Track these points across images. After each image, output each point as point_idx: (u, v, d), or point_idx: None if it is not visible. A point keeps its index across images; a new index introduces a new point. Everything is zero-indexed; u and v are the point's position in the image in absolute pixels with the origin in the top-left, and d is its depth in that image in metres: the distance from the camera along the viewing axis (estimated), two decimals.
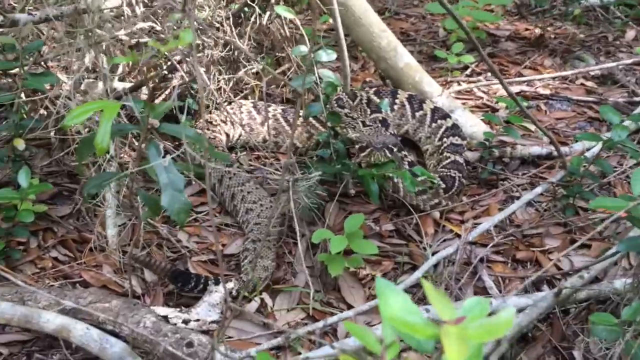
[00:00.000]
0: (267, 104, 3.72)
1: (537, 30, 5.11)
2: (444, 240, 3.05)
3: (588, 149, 3.49)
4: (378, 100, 3.61)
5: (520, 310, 2.38)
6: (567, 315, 2.60)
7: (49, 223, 3.00)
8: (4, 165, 2.98)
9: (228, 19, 3.36)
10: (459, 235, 3.05)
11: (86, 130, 2.84)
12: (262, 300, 2.70)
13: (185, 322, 2.49)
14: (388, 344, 1.02)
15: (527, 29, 5.24)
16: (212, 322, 2.54)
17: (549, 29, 5.16)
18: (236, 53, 3.56)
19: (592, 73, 4.52)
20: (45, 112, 2.94)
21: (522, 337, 2.49)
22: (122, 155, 3.07)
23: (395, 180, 3.18)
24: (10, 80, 3.05)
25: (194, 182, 3.26)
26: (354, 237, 2.73)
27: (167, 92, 3.58)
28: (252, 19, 3.47)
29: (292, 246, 2.99)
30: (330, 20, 3.72)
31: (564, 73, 4.50)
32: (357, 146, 3.12)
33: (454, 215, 3.25)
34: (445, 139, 3.51)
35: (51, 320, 2.18)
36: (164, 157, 1.78)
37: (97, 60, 2.75)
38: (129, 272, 2.55)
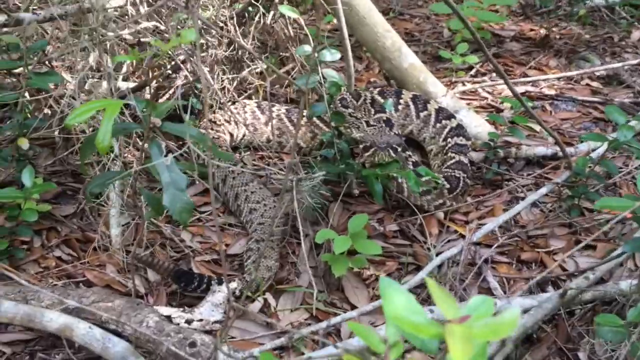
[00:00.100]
0: (271, 104, 3.72)
1: (542, 31, 5.09)
2: (448, 241, 3.03)
3: (593, 150, 3.47)
4: (382, 100, 3.60)
5: (525, 311, 2.36)
6: (572, 316, 2.59)
7: (53, 222, 3.00)
8: (8, 165, 2.98)
9: (232, 18, 3.36)
10: (463, 236, 3.04)
11: (90, 129, 2.84)
12: (265, 300, 2.70)
13: (188, 322, 2.48)
14: (392, 343, 1.02)
15: (532, 30, 5.23)
16: (215, 322, 2.53)
17: (554, 29, 5.14)
18: (240, 52, 3.55)
19: (597, 73, 4.50)
20: (50, 112, 2.94)
21: (527, 338, 2.47)
22: (126, 154, 3.07)
23: (400, 180, 3.16)
24: (14, 79, 3.05)
25: (197, 182, 3.26)
26: (358, 238, 2.72)
27: (171, 91, 3.58)
28: (256, 18, 3.47)
29: (296, 246, 2.98)
30: (335, 20, 3.71)
31: (569, 73, 4.48)
32: (361, 146, 3.11)
33: (459, 215, 3.24)
34: (449, 139, 3.50)
35: (54, 320, 2.17)
36: (166, 156, 1.78)
37: (101, 60, 2.75)
38: (132, 271, 2.54)
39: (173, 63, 3.40)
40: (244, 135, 3.74)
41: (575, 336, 2.52)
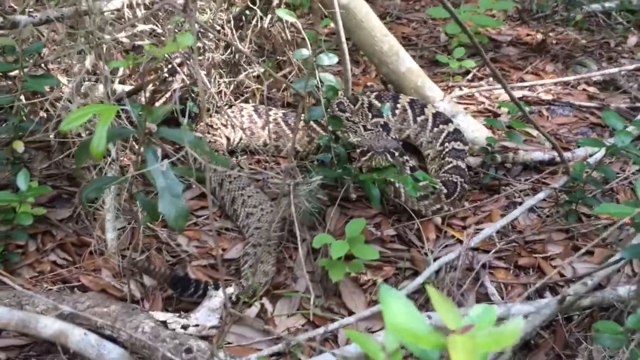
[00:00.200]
0: (268, 108, 3.70)
1: (539, 36, 5.10)
2: (446, 246, 3.02)
3: (590, 155, 3.47)
4: (379, 105, 3.60)
5: (523, 317, 2.35)
6: (570, 322, 2.58)
7: (48, 226, 2.98)
8: (3, 168, 2.96)
9: (229, 21, 3.35)
10: (460, 241, 3.03)
11: (86, 132, 2.82)
12: (262, 305, 2.68)
13: (184, 327, 2.46)
14: (391, 352, 1.00)
15: (528, 34, 5.23)
16: (212, 327, 2.51)
17: (550, 34, 5.15)
18: (237, 56, 3.54)
19: (594, 79, 4.51)
20: (45, 115, 2.92)
21: (524, 344, 2.46)
22: (122, 157, 3.05)
23: (397, 185, 3.15)
24: (10, 82, 3.03)
25: (194, 186, 3.24)
26: (355, 242, 2.70)
27: (167, 94, 3.56)
28: (254, 22, 3.46)
29: (293, 251, 2.96)
30: (332, 24, 3.71)
31: (566, 78, 4.49)
32: (358, 150, 3.10)
33: (456, 220, 3.23)
34: (447, 144, 3.49)
35: (49, 326, 2.15)
36: (162, 160, 1.76)
37: (97, 63, 2.73)
38: (127, 276, 2.52)
39: (170, 66, 3.39)
40: (240, 139, 3.72)
41: (573, 342, 2.51)
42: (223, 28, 3.30)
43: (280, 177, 3.22)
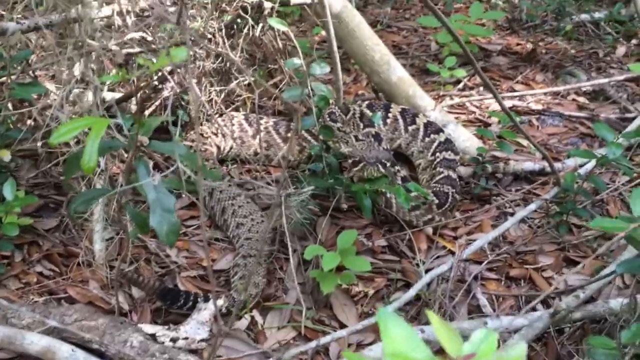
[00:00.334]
0: (258, 117, 3.68)
1: (529, 45, 5.12)
2: (437, 257, 3.01)
3: (580, 165, 3.48)
4: (371, 114, 3.58)
5: (515, 330, 2.34)
6: (561, 334, 2.57)
7: (34, 236, 2.93)
8: None
9: (220, 30, 3.32)
10: (452, 252, 3.02)
11: (74, 141, 2.78)
12: (252, 317, 2.65)
13: (174, 340, 2.42)
14: None
15: (518, 44, 5.25)
16: (201, 340, 2.48)
17: (540, 44, 5.17)
18: (228, 64, 3.52)
19: (584, 89, 4.53)
20: (33, 123, 2.88)
21: None
22: (111, 166, 3.01)
23: (388, 195, 3.14)
24: None
25: (183, 195, 3.20)
26: (347, 254, 2.69)
27: (157, 103, 3.52)
28: (245, 30, 3.43)
29: (284, 262, 2.94)
30: (323, 32, 3.70)
31: (555, 89, 4.50)
32: (349, 161, 3.08)
33: (447, 231, 3.22)
34: (438, 154, 3.49)
35: (35, 342, 2.10)
36: (154, 172, 1.74)
37: (86, 71, 2.70)
38: (116, 288, 2.48)
39: (160, 74, 3.35)
40: (231, 148, 3.69)
41: (565, 355, 2.50)
42: (214, 36, 3.28)
43: (271, 187, 3.19)
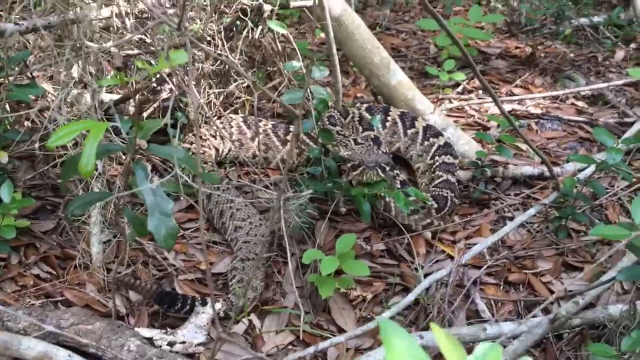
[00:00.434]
0: (257, 119, 3.67)
1: (528, 49, 5.12)
2: (436, 261, 3.00)
3: (579, 170, 3.47)
4: (370, 117, 3.57)
5: (514, 337, 2.33)
6: (560, 340, 2.57)
7: (31, 238, 2.91)
8: None
9: (220, 32, 3.31)
10: (450, 256, 3.01)
11: (72, 143, 2.76)
12: (250, 321, 2.63)
13: (171, 344, 2.41)
14: None
15: (517, 47, 5.25)
16: (199, 344, 2.47)
17: (539, 47, 5.17)
18: (227, 67, 3.50)
19: (582, 93, 4.53)
20: (30, 125, 2.86)
21: None
22: (109, 168, 2.99)
23: (387, 199, 3.13)
24: None
25: (181, 198, 3.19)
26: (346, 258, 2.67)
27: (155, 104, 3.51)
28: (244, 32, 3.42)
29: (282, 265, 2.92)
30: (322, 35, 3.68)
31: (554, 93, 4.50)
32: (349, 164, 3.07)
33: (446, 235, 3.21)
34: (437, 157, 3.48)
35: (32, 347, 2.09)
36: (152, 174, 1.73)
37: (84, 73, 2.68)
38: (113, 291, 2.47)
39: (158, 76, 3.34)
40: (229, 150, 3.68)
41: None
42: (213, 39, 3.26)
43: (270, 190, 3.18)
